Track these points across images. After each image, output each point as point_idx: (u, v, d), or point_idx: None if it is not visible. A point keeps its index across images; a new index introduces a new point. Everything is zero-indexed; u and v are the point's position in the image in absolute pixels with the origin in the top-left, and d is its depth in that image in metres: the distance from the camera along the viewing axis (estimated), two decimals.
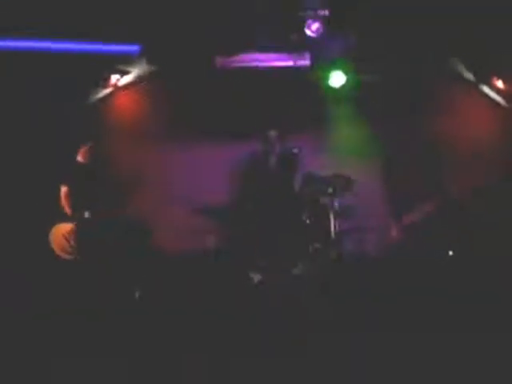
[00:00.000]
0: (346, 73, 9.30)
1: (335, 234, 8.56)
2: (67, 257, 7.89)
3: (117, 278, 7.92)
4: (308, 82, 9.45)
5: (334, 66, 9.29)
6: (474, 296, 7.33)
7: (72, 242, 7.91)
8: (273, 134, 8.90)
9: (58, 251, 7.90)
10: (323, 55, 9.13)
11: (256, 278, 8.26)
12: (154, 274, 8.33)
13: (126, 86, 9.60)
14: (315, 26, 8.48)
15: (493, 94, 9.24)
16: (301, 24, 8.51)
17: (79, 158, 8.36)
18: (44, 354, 6.30)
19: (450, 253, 8.50)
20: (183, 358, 6.18)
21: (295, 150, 8.77)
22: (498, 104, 9.28)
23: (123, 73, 9.31)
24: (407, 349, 6.16)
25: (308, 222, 8.57)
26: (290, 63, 9.12)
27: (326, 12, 8.50)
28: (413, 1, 8.21)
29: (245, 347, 6.42)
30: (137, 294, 8.00)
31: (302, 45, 8.88)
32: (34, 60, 8.30)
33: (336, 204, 8.66)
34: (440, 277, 7.96)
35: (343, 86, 9.41)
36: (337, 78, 9.32)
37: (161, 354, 6.31)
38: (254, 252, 8.47)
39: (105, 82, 9.27)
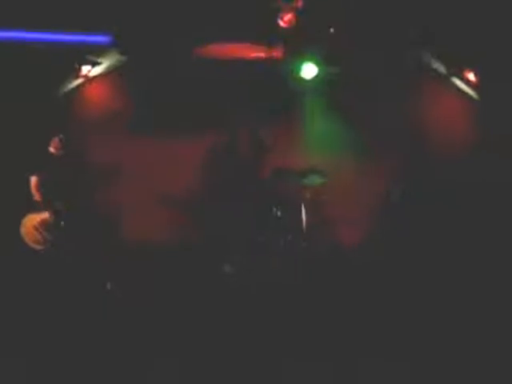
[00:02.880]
0: (317, 65, 9.27)
1: (307, 226, 8.58)
2: (39, 248, 7.84)
3: (88, 270, 7.88)
4: (280, 74, 9.40)
5: (305, 57, 9.25)
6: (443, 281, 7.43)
7: (43, 233, 7.86)
8: (244, 123, 8.91)
9: (29, 242, 7.85)
10: (295, 47, 9.09)
11: (227, 268, 8.26)
12: (125, 265, 8.27)
13: (97, 77, 9.50)
14: (288, 17, 8.48)
15: (464, 87, 9.26)
16: (274, 15, 8.53)
17: (51, 149, 8.29)
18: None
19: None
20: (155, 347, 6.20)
21: (266, 141, 8.78)
22: (468, 96, 9.30)
23: (94, 63, 9.22)
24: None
25: (279, 214, 8.57)
26: (263, 54, 9.10)
27: (299, 3, 8.51)
28: None
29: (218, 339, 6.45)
30: (108, 286, 7.97)
31: (274, 36, 8.86)
32: (5, 50, 8.25)
33: (308, 196, 8.68)
34: (411, 265, 8.04)
35: (315, 78, 9.37)
36: (308, 70, 9.29)
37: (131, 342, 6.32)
38: (225, 245, 8.48)
39: (76, 72, 9.17)
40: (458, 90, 9.38)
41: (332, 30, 8.63)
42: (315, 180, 8.69)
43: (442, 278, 7.65)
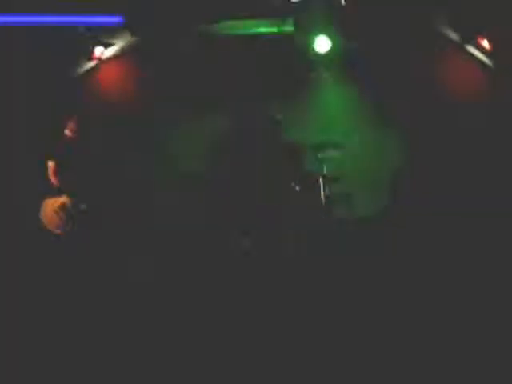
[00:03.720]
0: (330, 38, 9.23)
1: (326, 199, 8.59)
2: (58, 231, 7.88)
3: (107, 254, 7.94)
4: (293, 48, 9.38)
5: (318, 31, 9.21)
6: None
7: (64, 217, 7.89)
8: (258, 99, 8.93)
9: (48, 226, 7.89)
10: (307, 21, 9.05)
11: (246, 243, 8.29)
12: (146, 246, 8.32)
13: (111, 58, 9.51)
14: None
15: (478, 54, 9.18)
16: None
17: (67, 132, 8.32)
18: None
19: None
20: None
21: (279, 117, 8.78)
22: (483, 64, 9.22)
23: (107, 45, 9.23)
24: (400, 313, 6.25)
25: (298, 189, 8.58)
26: (274, 29, 9.06)
27: None
28: None
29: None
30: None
31: (285, 10, 8.81)
32: (18, 34, 8.25)
33: (325, 170, 8.69)
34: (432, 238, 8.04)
35: (329, 51, 9.34)
36: (322, 44, 9.25)
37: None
38: (244, 222, 8.51)
39: (89, 54, 9.20)
40: (472, 56, 9.30)
41: (343, 2, 8.54)
42: (332, 153, 8.69)
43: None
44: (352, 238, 8.46)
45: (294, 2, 8.50)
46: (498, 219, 8.10)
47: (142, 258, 8.12)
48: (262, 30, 9.14)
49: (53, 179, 7.99)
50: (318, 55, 9.41)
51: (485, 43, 8.90)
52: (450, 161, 9.01)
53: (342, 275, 7.40)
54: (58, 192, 7.93)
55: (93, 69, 9.48)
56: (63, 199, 7.93)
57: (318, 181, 8.60)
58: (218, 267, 7.79)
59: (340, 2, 8.56)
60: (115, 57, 9.54)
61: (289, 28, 9.07)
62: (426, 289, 6.80)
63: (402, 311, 6.36)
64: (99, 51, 9.23)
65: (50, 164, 8.00)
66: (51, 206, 7.91)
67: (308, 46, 9.34)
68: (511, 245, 7.46)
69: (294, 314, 6.48)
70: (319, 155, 8.67)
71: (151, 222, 8.85)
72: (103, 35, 9.06)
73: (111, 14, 8.64)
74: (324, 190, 8.58)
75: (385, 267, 7.51)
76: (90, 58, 9.28)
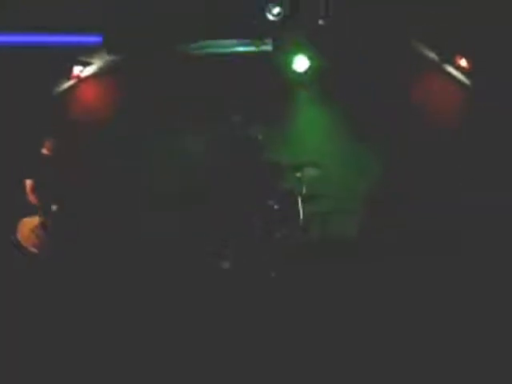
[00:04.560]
0: (308, 57, 9.27)
1: (303, 217, 8.57)
2: (35, 250, 7.86)
3: (85, 271, 7.90)
4: (271, 67, 9.40)
5: (296, 50, 9.24)
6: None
7: (41, 236, 7.88)
8: (237, 118, 8.92)
9: (27, 246, 7.86)
10: (285, 40, 9.08)
11: (224, 265, 8.28)
12: (122, 264, 8.29)
13: (89, 77, 9.50)
14: (276, 10, 8.45)
15: (456, 73, 9.23)
16: (262, 9, 8.50)
17: (44, 151, 8.31)
18: None
19: None
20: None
21: (260, 136, 8.79)
22: (460, 82, 9.28)
23: (85, 64, 9.23)
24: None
25: (276, 207, 8.57)
26: (253, 48, 9.09)
27: None
28: None
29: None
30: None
31: (263, 30, 8.84)
32: None
33: (303, 189, 8.67)
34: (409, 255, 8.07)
35: (307, 70, 9.38)
36: (300, 63, 9.29)
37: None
38: (219, 240, 8.50)
39: (68, 73, 9.18)
40: (450, 76, 9.35)
41: (321, 22, 8.56)
42: (310, 172, 8.68)
43: (441, 271, 7.62)
44: (327, 256, 8.49)
45: (272, 22, 8.51)
46: (480, 232, 8.15)
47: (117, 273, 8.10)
48: (241, 49, 9.15)
49: (31, 197, 7.98)
50: (296, 74, 9.44)
51: (463, 62, 8.97)
52: (427, 178, 9.04)
53: (319, 295, 7.40)
54: (35, 210, 7.95)
55: (71, 88, 9.46)
56: (41, 218, 7.92)
57: (296, 200, 8.59)
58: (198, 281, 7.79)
59: (317, 23, 8.58)
60: (93, 76, 9.52)
61: (267, 47, 9.07)
62: (404, 311, 6.78)
63: (378, 333, 6.34)
64: (78, 70, 9.21)
65: (28, 182, 8.00)
66: (29, 224, 7.89)
67: (286, 65, 9.36)
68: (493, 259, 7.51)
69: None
70: (298, 175, 8.66)
71: (130, 235, 8.82)
72: (82, 54, 9.04)
73: (90, 33, 8.66)
74: (302, 209, 8.56)
75: (362, 285, 7.50)
76: (69, 77, 9.26)
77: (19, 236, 7.86)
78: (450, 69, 9.27)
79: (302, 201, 8.58)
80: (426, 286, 7.26)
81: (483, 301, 6.69)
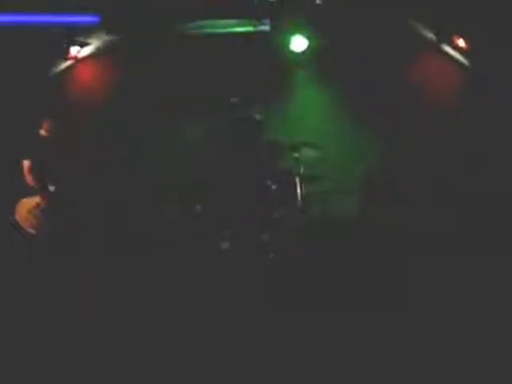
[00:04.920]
0: (307, 37, 9.24)
1: (302, 198, 8.58)
2: (33, 231, 7.86)
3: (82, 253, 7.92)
4: (269, 48, 9.38)
5: (294, 30, 9.22)
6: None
7: (39, 217, 7.88)
8: (235, 100, 8.90)
9: (24, 226, 7.86)
10: (283, 20, 9.05)
11: (224, 245, 8.29)
12: (120, 249, 8.30)
13: (87, 58, 9.46)
14: None
15: (453, 53, 9.22)
16: None
17: (42, 132, 8.30)
18: None
19: None
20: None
21: (258, 117, 8.78)
22: (458, 62, 9.27)
23: (83, 44, 9.18)
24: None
25: (274, 187, 8.57)
26: (250, 29, 9.06)
27: None
28: None
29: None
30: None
31: (261, 10, 8.81)
32: None
33: (302, 169, 8.67)
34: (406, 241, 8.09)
35: (305, 50, 9.36)
36: (298, 43, 9.27)
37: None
38: (219, 221, 8.51)
39: (65, 54, 9.14)
40: (448, 56, 9.34)
41: (319, 2, 8.54)
42: (308, 153, 8.68)
43: (439, 255, 7.64)
44: (326, 237, 8.49)
45: (270, 2, 8.49)
46: (474, 221, 8.18)
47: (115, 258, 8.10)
48: (239, 29, 9.12)
49: (28, 178, 7.97)
50: (294, 54, 9.42)
51: (461, 42, 8.95)
52: (426, 162, 9.06)
53: (318, 275, 7.41)
54: (33, 191, 7.95)
55: (69, 68, 9.42)
56: (38, 199, 7.92)
57: (294, 180, 8.59)
58: (197, 271, 7.78)
59: (315, 2, 8.55)
60: (91, 56, 9.49)
61: (265, 28, 9.05)
62: (402, 291, 6.81)
63: (377, 313, 6.36)
64: (75, 51, 9.18)
65: (26, 163, 7.99)
66: (26, 205, 7.89)
67: (284, 45, 9.35)
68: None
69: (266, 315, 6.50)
70: (296, 155, 8.65)
71: (127, 223, 8.83)
72: (79, 35, 9.00)
73: (87, 13, 8.61)
74: (300, 190, 8.57)
75: (360, 268, 7.53)
76: (66, 58, 9.23)
77: (17, 217, 7.86)
78: (448, 49, 9.28)
79: (300, 181, 8.59)
80: (422, 268, 7.29)
81: (480, 285, 6.72)
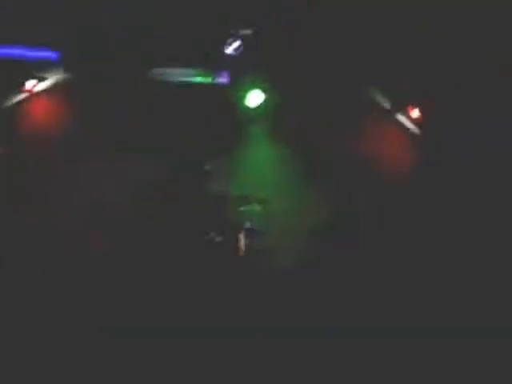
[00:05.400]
0: (263, 91, 9.31)
1: (246, 253, 8.56)
2: None
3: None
4: (226, 100, 9.42)
5: (251, 85, 9.29)
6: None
7: None
8: (189, 148, 8.93)
9: None
10: (241, 74, 9.13)
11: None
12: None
13: (42, 92, 9.38)
14: (236, 44, 8.52)
15: (407, 122, 9.37)
16: (221, 41, 8.57)
17: None
18: None
19: None
20: None
21: (208, 167, 8.79)
22: (411, 132, 9.42)
23: (39, 79, 9.13)
24: None
25: (218, 239, 8.55)
26: (209, 80, 9.12)
27: (248, 31, 8.57)
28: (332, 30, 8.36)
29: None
30: None
31: (221, 62, 8.88)
32: None
33: (248, 223, 8.67)
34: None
35: (260, 106, 9.41)
36: (253, 98, 9.32)
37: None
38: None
39: (19, 87, 9.07)
40: (402, 125, 9.48)
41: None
42: (255, 208, 8.69)
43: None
44: (271, 290, 8.48)
45: (228, 55, 8.58)
46: None
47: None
48: (198, 79, 9.17)
49: None
50: (249, 109, 9.48)
51: (415, 112, 9.11)
52: (375, 220, 9.13)
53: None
54: None
55: (22, 101, 9.34)
56: None
57: (239, 233, 8.58)
58: None
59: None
60: (46, 91, 9.42)
61: (223, 80, 9.11)
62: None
63: None
64: (31, 84, 9.11)
65: None
66: None
67: (241, 99, 9.41)
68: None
69: None
70: (242, 208, 8.65)
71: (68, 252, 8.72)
72: (36, 69, 8.96)
73: (46, 48, 8.61)
74: (246, 242, 8.56)
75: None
76: (21, 91, 9.15)
77: None
78: (402, 118, 9.43)
79: (244, 235, 8.57)
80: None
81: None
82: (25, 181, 8.77)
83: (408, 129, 9.43)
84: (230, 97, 9.37)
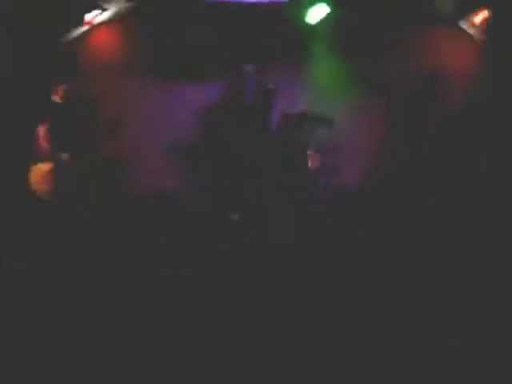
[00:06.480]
0: (323, 7, 9.17)
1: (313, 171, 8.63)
2: (47, 197, 7.94)
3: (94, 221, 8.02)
4: (285, 18, 9.31)
5: (311, 2, 9.16)
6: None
7: (52, 182, 7.96)
8: (249, 68, 8.89)
9: (38, 192, 7.94)
10: None
11: (234, 216, 8.36)
12: (130, 216, 8.39)
13: (103, 24, 9.45)
14: None
15: (471, 29, 9.16)
16: None
17: (56, 98, 8.35)
18: None
19: None
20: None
21: (271, 86, 8.77)
22: (474, 39, 9.21)
23: (100, 10, 9.17)
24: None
25: (283, 159, 8.63)
26: None
27: None
28: None
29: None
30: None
31: None
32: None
33: (313, 141, 8.71)
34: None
35: (320, 22, 9.28)
36: (313, 14, 9.20)
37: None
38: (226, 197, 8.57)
39: (81, 19, 9.13)
40: (466, 32, 9.27)
41: None
42: (320, 127, 8.71)
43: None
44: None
45: None
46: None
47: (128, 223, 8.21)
48: None
49: (43, 144, 8.05)
50: (309, 25, 9.36)
51: (477, 19, 8.90)
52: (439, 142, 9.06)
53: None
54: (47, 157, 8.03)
55: (85, 34, 9.42)
56: (51, 165, 7.99)
57: (305, 151, 8.64)
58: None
59: None
60: (108, 22, 9.47)
61: None
62: None
63: None
64: (92, 16, 9.17)
65: (41, 129, 8.07)
66: (40, 171, 7.97)
67: (300, 16, 9.30)
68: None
69: None
70: (307, 126, 8.68)
71: (139, 187, 8.91)
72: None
73: None
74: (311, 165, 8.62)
75: None
76: (82, 23, 9.22)
77: (31, 181, 7.93)
78: (465, 25, 9.22)
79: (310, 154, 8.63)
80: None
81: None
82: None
83: (471, 35, 9.23)
84: (290, 14, 9.26)
